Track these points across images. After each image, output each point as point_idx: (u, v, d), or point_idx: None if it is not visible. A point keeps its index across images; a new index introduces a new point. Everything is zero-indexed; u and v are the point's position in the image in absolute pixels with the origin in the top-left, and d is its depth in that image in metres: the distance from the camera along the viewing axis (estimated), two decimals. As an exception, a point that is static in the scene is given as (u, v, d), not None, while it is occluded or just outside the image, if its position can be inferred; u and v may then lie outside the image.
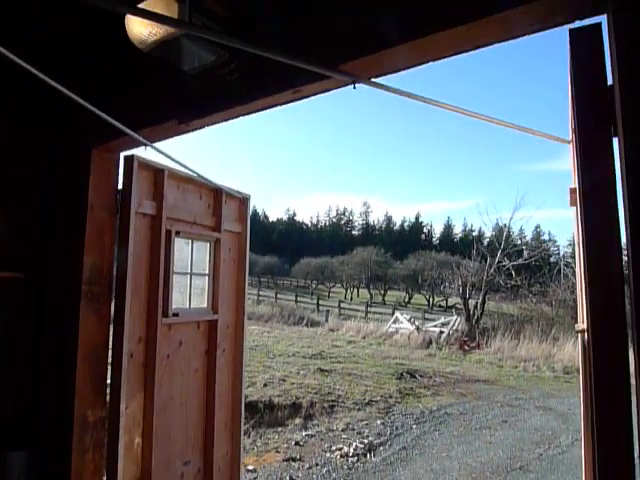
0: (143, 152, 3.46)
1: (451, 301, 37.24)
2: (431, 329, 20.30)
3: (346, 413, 9.20)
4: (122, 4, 1.95)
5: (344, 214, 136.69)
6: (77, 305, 3.36)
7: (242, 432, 4.48)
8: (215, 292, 4.23)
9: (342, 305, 32.56)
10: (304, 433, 7.90)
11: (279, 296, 37.69)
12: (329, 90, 2.43)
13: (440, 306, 43.17)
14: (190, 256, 4.09)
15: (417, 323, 21.25)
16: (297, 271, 67.46)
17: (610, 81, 1.68)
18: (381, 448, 7.50)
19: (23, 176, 3.74)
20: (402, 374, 12.56)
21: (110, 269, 3.58)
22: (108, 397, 3.47)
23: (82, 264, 3.39)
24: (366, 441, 7.69)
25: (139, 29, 1.98)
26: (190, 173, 3.91)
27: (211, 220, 4.22)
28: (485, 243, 31.58)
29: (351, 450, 7.25)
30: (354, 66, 2.17)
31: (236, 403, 4.45)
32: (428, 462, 6.96)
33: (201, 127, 3.01)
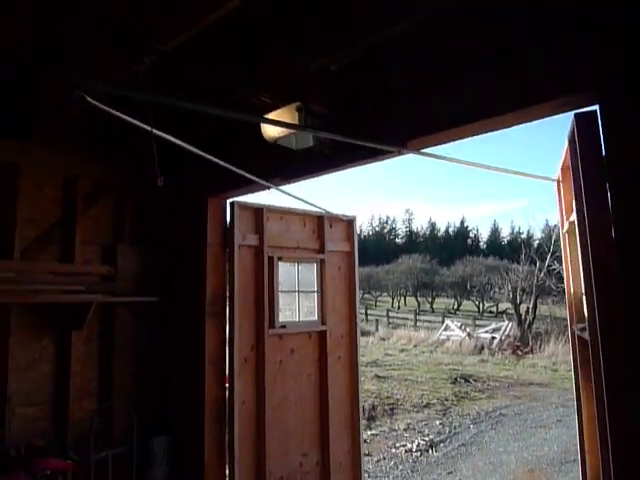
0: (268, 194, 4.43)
1: (502, 306, 37.00)
2: (482, 335, 20.59)
3: (406, 415, 9.91)
4: (258, 116, 2.89)
5: (387, 222, 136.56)
6: (203, 320, 4.36)
7: (361, 432, 5.03)
8: (323, 306, 4.92)
9: (390, 314, 33.06)
10: (369, 432, 8.66)
11: (328, 307, 38.44)
12: (395, 157, 3.28)
13: (491, 312, 42.70)
14: (297, 276, 4.92)
15: (468, 330, 21.57)
16: (343, 282, 67.93)
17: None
18: (441, 445, 8.18)
19: (155, 222, 4.82)
20: (456, 379, 13.10)
21: (224, 292, 4.55)
22: (227, 393, 4.42)
23: (205, 289, 4.39)
24: (427, 439, 8.40)
25: (271, 132, 2.90)
26: (292, 207, 4.85)
27: (315, 243, 4.93)
28: (534, 246, 31.30)
29: (414, 446, 7.98)
30: (415, 144, 3.03)
31: (354, 405, 5.01)
32: (486, 456, 7.59)
33: (295, 182, 3.94)
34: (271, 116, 2.94)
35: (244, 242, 4.54)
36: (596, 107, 2.55)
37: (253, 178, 3.75)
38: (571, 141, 2.68)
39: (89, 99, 2.61)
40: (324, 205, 5.02)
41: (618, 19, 2.34)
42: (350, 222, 5.30)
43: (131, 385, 4.59)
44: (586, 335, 2.71)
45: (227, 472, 4.39)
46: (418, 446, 7.99)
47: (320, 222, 5.01)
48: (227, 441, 4.36)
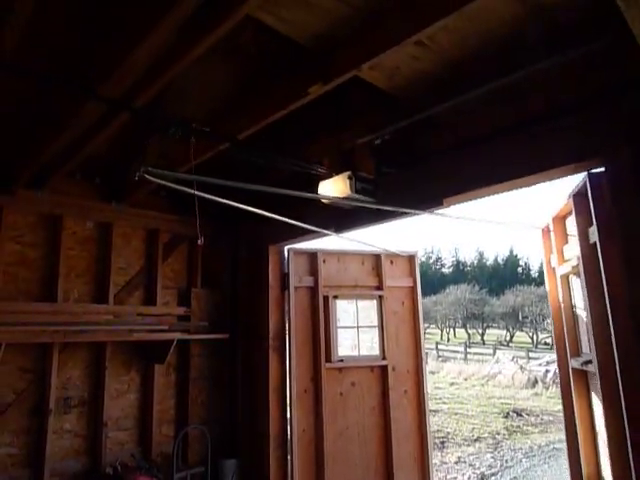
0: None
1: (556, 338, 35.66)
2: (536, 368, 20.13)
3: (456, 448, 10.00)
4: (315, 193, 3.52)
5: (432, 252, 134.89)
6: (267, 353, 4.93)
7: (431, 464, 5.10)
8: (384, 341, 5.16)
9: (439, 346, 32.64)
10: (420, 464, 8.85)
11: (376, 340, 38.39)
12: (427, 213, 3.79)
13: (546, 343, 41.19)
14: (357, 313, 5.26)
15: (520, 362, 21.14)
16: (390, 313, 67.47)
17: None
18: (492, 478, 8.27)
19: (222, 268, 5.51)
20: (508, 413, 12.99)
21: (283, 328, 5.12)
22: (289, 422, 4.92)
23: (268, 326, 4.97)
24: (478, 472, 8.50)
25: (328, 196, 3.49)
26: (351, 248, 5.31)
27: (374, 280, 5.25)
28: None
29: (465, 479, 8.12)
30: (450, 200, 3.54)
31: (422, 439, 5.11)
32: (539, 490, 7.63)
33: (347, 232, 4.50)
34: (326, 183, 3.54)
35: (300, 284, 5.12)
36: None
37: (311, 228, 4.33)
38: (578, 196, 3.13)
39: (151, 178, 3.24)
40: (382, 241, 5.35)
41: (621, 99, 2.81)
42: (411, 258, 5.52)
43: (204, 413, 5.19)
44: (590, 368, 3.07)
45: (289, 494, 4.84)
46: (469, 478, 8.12)
47: (378, 260, 5.32)
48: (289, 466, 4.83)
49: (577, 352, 3.59)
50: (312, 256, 5.25)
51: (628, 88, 2.72)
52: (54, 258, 4.50)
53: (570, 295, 3.80)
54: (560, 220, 3.81)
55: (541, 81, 3.07)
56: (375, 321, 5.28)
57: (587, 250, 3.00)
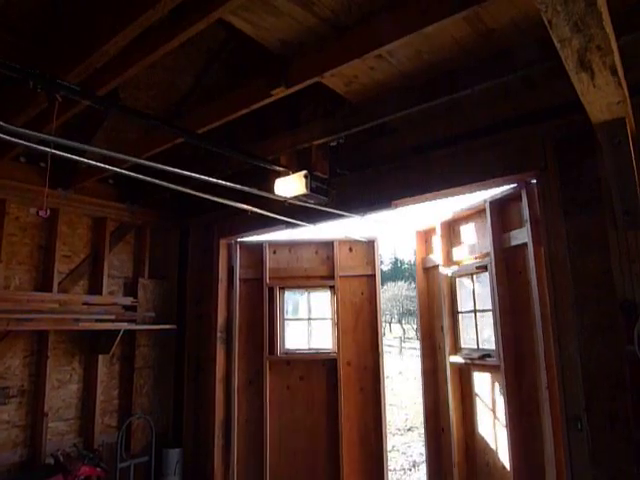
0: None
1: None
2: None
3: (390, 437, 10.45)
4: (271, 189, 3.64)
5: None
6: (215, 345, 4.99)
7: (387, 471, 4.71)
8: (337, 334, 4.87)
9: (376, 341, 33.46)
10: (356, 453, 9.19)
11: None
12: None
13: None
14: (308, 305, 5.18)
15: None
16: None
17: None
18: (423, 464, 8.75)
19: (170, 260, 5.50)
20: (439, 404, 13.67)
21: (230, 321, 5.19)
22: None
23: (217, 318, 5.04)
24: (410, 459, 8.96)
25: (284, 194, 3.62)
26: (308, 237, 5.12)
27: (327, 270, 4.96)
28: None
29: (398, 466, 8.54)
30: (398, 203, 3.79)
31: (377, 438, 4.74)
32: (465, 474, 8.17)
33: (298, 228, 4.65)
34: (283, 180, 3.67)
35: (245, 276, 5.21)
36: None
37: (272, 215, 4.43)
38: (495, 202, 3.55)
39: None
40: (343, 228, 4.95)
41: (551, 121, 3.15)
42: (371, 243, 5.05)
43: (149, 403, 5.18)
44: (487, 361, 3.55)
45: (232, 482, 4.95)
46: (402, 466, 8.55)
47: (332, 248, 5.04)
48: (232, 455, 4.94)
49: (456, 348, 4.08)
50: (259, 248, 5.25)
51: (558, 112, 3.05)
52: (-5, 244, 4.34)
53: (453, 294, 4.26)
54: (448, 225, 4.35)
55: (484, 98, 3.37)
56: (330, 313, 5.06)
57: (501, 251, 3.42)
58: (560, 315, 3.01)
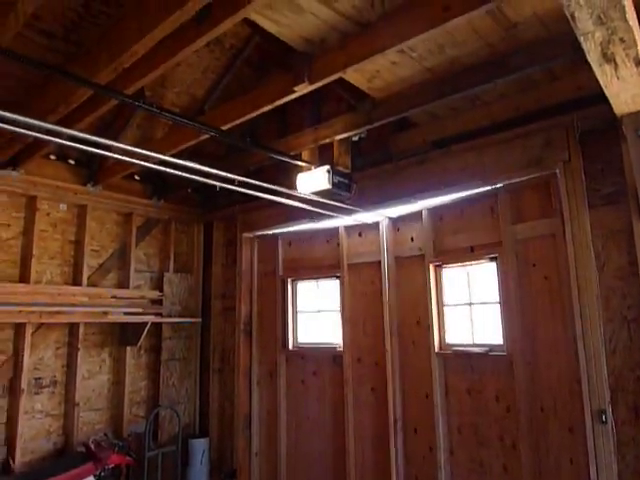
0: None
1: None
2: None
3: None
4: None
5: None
6: (238, 338, 5.09)
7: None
8: (344, 327, 4.52)
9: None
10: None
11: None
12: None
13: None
14: (319, 296, 4.95)
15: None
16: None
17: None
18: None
19: (195, 254, 5.63)
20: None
21: (251, 313, 5.28)
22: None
23: (240, 312, 5.14)
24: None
25: (306, 189, 3.67)
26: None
27: (334, 258, 4.68)
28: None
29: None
30: (418, 197, 3.81)
31: (387, 453, 4.11)
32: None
33: (319, 222, 4.70)
34: (305, 176, 3.72)
35: (262, 269, 5.29)
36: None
37: (294, 204, 4.48)
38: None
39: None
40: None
41: (574, 113, 3.14)
42: (375, 225, 4.43)
43: (175, 394, 5.31)
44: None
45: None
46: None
47: (339, 235, 4.68)
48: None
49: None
50: (273, 240, 5.24)
51: (581, 104, 3.04)
52: (27, 239, 4.49)
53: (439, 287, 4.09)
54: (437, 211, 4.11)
55: (507, 91, 3.36)
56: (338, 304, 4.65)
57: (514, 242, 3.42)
58: (584, 308, 3.00)
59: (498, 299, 3.68)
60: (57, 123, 3.20)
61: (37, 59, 2.54)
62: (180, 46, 2.57)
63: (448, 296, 4.08)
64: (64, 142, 2.88)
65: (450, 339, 4.00)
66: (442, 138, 3.75)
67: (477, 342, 3.85)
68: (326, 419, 4.64)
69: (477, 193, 3.75)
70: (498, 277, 3.69)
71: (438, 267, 4.08)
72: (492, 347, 3.70)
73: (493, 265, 3.75)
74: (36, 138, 2.99)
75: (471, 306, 3.94)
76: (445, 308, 4.06)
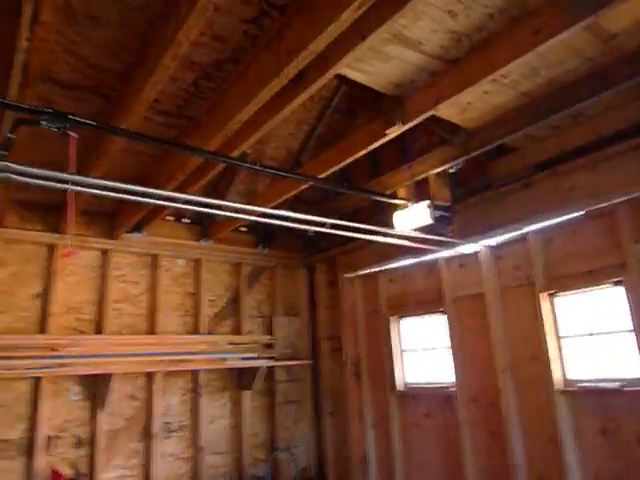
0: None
1: None
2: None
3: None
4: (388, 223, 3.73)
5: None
6: (348, 380, 5.11)
7: None
8: (455, 365, 4.30)
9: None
10: None
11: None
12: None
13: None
14: (424, 332, 4.80)
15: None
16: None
17: None
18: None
19: (300, 297, 5.83)
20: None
21: (359, 354, 5.28)
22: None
23: (347, 352, 5.17)
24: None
25: (404, 226, 3.69)
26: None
27: (436, 293, 4.49)
28: None
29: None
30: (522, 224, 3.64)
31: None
32: None
33: (421, 257, 4.65)
34: (402, 213, 3.74)
35: (366, 308, 5.30)
36: None
37: (392, 241, 4.52)
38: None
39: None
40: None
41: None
42: (475, 256, 4.24)
43: (291, 437, 5.41)
44: None
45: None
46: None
47: (438, 266, 4.54)
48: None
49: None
50: (375, 278, 5.21)
51: None
52: (152, 294, 4.95)
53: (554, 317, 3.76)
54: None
55: (612, 103, 3.16)
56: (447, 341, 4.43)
57: None
58: None
59: (631, 327, 3.34)
60: (175, 190, 3.57)
61: (156, 136, 2.88)
62: (278, 108, 2.77)
63: (565, 327, 3.77)
64: (181, 206, 3.20)
65: (572, 374, 3.67)
66: (544, 160, 3.59)
67: (607, 376, 3.50)
68: (440, 463, 4.41)
69: (590, 211, 3.51)
70: (629, 302, 3.35)
71: (551, 295, 3.82)
72: (628, 381, 3.34)
73: (618, 289, 3.44)
74: (158, 205, 3.36)
75: (592, 336, 3.62)
76: (562, 340, 3.75)
